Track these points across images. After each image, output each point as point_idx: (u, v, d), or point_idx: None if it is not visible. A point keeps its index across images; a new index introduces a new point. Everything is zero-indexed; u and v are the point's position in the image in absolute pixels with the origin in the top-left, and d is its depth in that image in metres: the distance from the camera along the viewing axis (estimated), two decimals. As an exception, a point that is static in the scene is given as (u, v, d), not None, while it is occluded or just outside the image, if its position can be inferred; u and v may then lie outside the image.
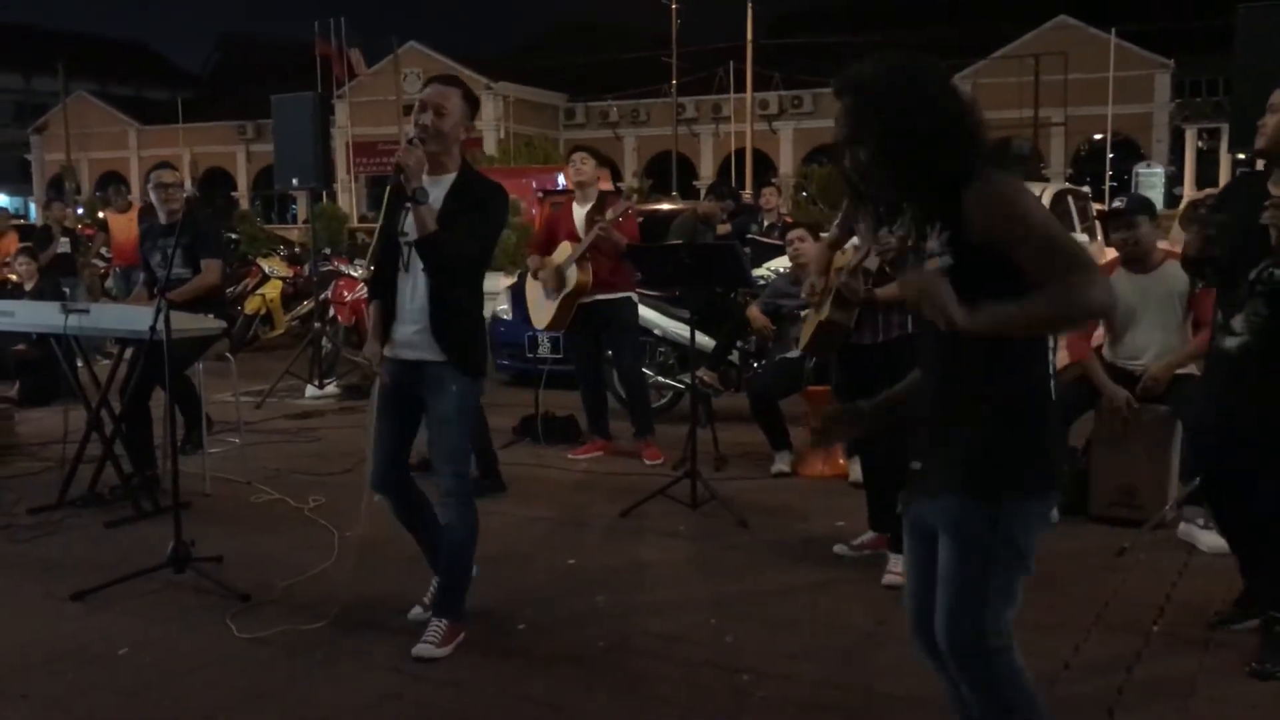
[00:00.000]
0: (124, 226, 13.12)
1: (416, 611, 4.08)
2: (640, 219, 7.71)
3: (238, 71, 59.67)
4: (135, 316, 5.36)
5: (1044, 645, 3.86)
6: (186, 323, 5.42)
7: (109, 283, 14.76)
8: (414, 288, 3.76)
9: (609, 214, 6.53)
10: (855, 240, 4.84)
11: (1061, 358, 8.64)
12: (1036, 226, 2.19)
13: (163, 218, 6.32)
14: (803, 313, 5.34)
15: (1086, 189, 14.41)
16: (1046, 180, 24.44)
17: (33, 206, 49.38)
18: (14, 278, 11.81)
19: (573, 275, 6.58)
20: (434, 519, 4.02)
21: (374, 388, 3.97)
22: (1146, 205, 5.44)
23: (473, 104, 3.82)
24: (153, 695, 3.56)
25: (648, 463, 6.65)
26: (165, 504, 5.48)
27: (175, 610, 4.31)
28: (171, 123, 51.76)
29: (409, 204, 3.68)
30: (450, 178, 3.79)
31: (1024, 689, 2.39)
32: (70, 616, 4.29)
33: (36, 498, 5.89)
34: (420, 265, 3.73)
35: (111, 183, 17.51)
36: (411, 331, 3.77)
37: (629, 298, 6.82)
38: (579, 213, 6.70)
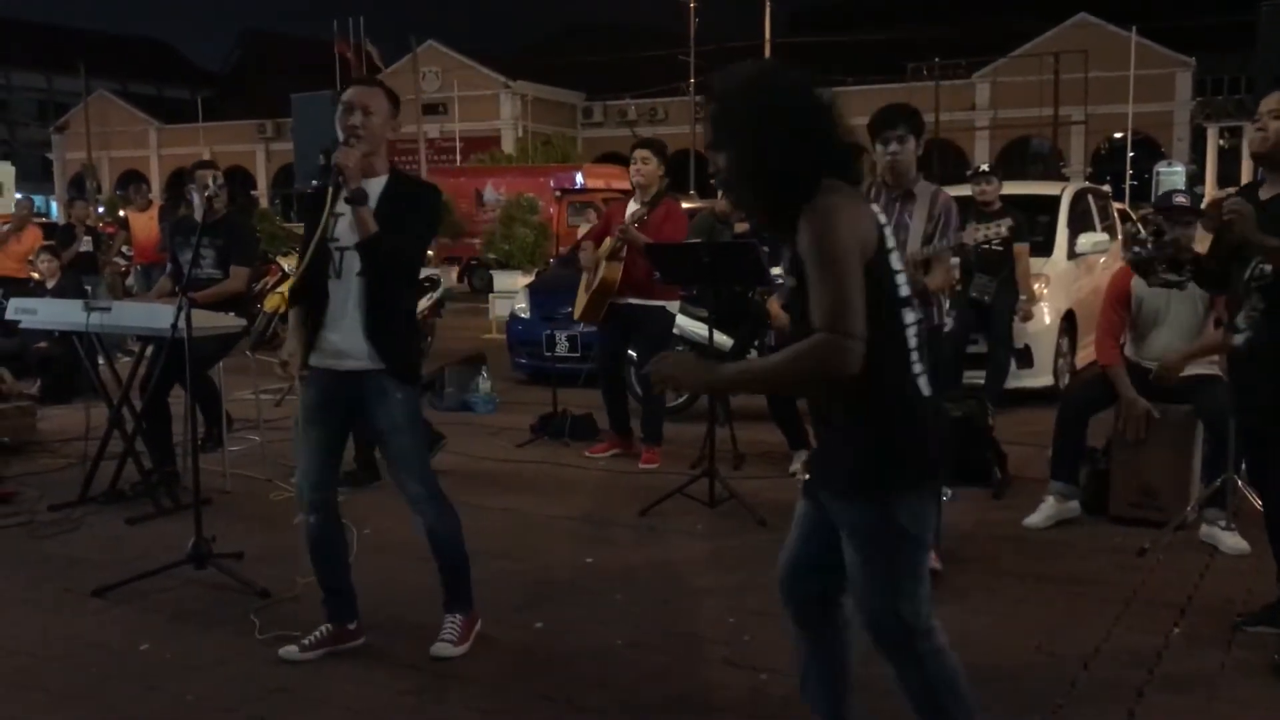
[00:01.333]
0: (144, 225, 13.21)
1: (291, 650, 3.79)
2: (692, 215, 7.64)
3: (258, 70, 59.96)
4: (157, 315, 5.39)
5: (1064, 645, 3.85)
6: (208, 321, 5.44)
7: (130, 280, 14.85)
8: (347, 294, 3.62)
9: (636, 212, 6.52)
10: None
11: (1084, 357, 8.64)
12: (826, 265, 2.27)
13: (199, 215, 6.30)
14: None
15: (1107, 188, 14.33)
16: (1066, 179, 24.33)
17: (54, 205, 49.71)
18: (37, 275, 11.90)
19: (602, 270, 6.58)
20: (345, 557, 3.90)
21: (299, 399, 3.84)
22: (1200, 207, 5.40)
23: (395, 104, 3.75)
24: (173, 690, 3.58)
25: (642, 466, 6.63)
26: (186, 501, 5.51)
27: (196, 606, 4.34)
28: (191, 121, 52.07)
29: (341, 208, 3.59)
30: (382, 180, 3.69)
31: (947, 668, 2.55)
32: (91, 612, 4.32)
33: (58, 494, 5.93)
34: (354, 270, 3.60)
35: (132, 181, 17.62)
36: (345, 340, 3.63)
37: (663, 308, 6.69)
38: (631, 211, 6.67)
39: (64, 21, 67.77)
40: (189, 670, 3.74)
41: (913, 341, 2.44)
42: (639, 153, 6.76)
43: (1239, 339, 3.85)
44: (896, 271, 2.41)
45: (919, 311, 2.52)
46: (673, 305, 6.82)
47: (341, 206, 3.60)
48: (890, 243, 2.40)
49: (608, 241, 6.63)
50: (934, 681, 2.55)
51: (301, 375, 3.85)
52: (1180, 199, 5.27)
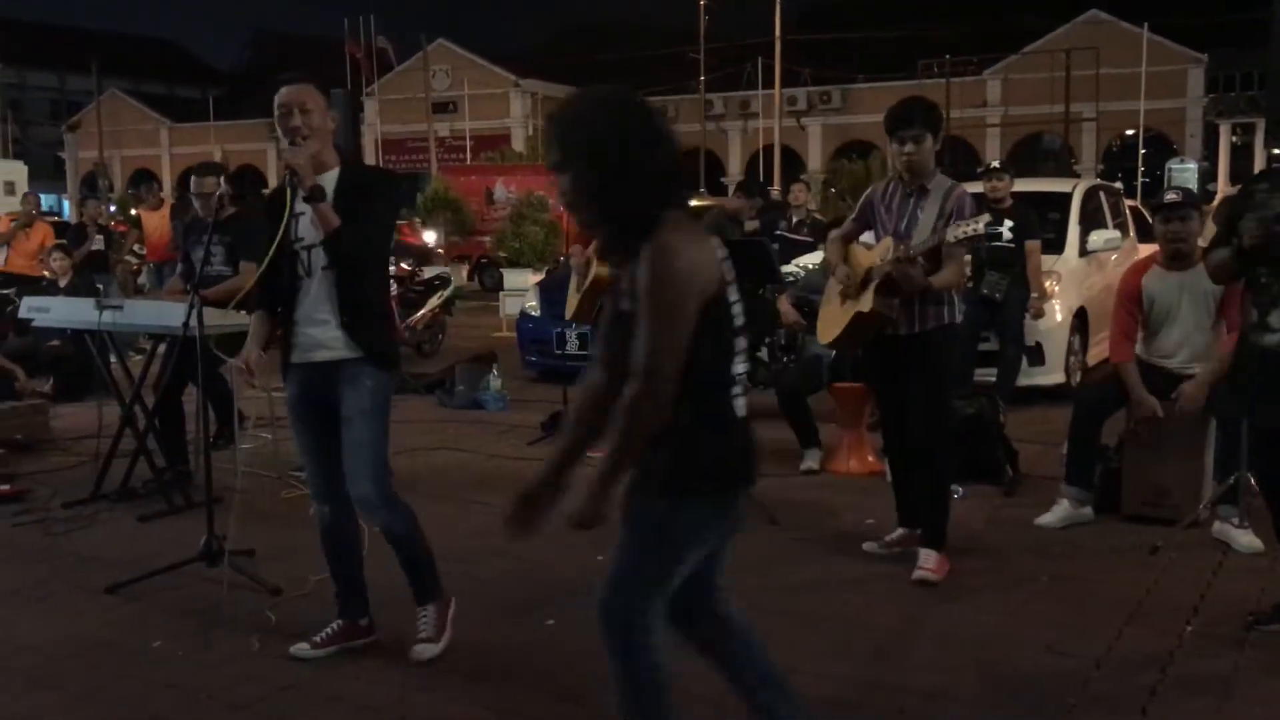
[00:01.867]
0: (156, 223, 13.24)
1: (302, 647, 3.81)
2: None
3: (269, 69, 60.01)
4: (168, 312, 5.40)
5: (1077, 644, 3.84)
6: (219, 319, 5.45)
7: (141, 278, 14.89)
8: (317, 289, 3.63)
9: None
10: (871, 235, 4.81)
11: (1095, 354, 8.61)
12: (656, 311, 2.34)
13: (203, 215, 6.34)
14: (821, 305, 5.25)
15: (1119, 185, 14.28)
16: (1078, 176, 24.26)
17: (66, 203, 49.87)
18: (49, 274, 11.94)
19: (594, 268, 6.60)
20: (358, 551, 3.91)
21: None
22: (1196, 199, 5.37)
23: (326, 93, 3.72)
24: (186, 687, 3.59)
25: None
26: (197, 499, 5.53)
27: (208, 604, 4.34)
28: (203, 120, 52.20)
29: (301, 207, 3.60)
30: (334, 173, 3.67)
31: (652, 678, 2.63)
32: (104, 609, 4.33)
33: (71, 492, 5.96)
34: (321, 265, 3.61)
35: (143, 180, 17.66)
36: (321, 333, 3.64)
37: None
38: None
39: (76, 21, 68.03)
40: (201, 667, 3.75)
41: (739, 368, 2.52)
42: None
43: (1273, 339, 3.78)
44: (734, 303, 2.48)
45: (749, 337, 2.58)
46: None
47: (301, 206, 3.61)
48: (730, 276, 2.46)
49: (595, 245, 6.65)
50: (637, 683, 2.64)
51: (255, 384, 3.86)
52: (1171, 195, 5.30)
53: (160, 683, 3.63)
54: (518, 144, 40.22)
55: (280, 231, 3.60)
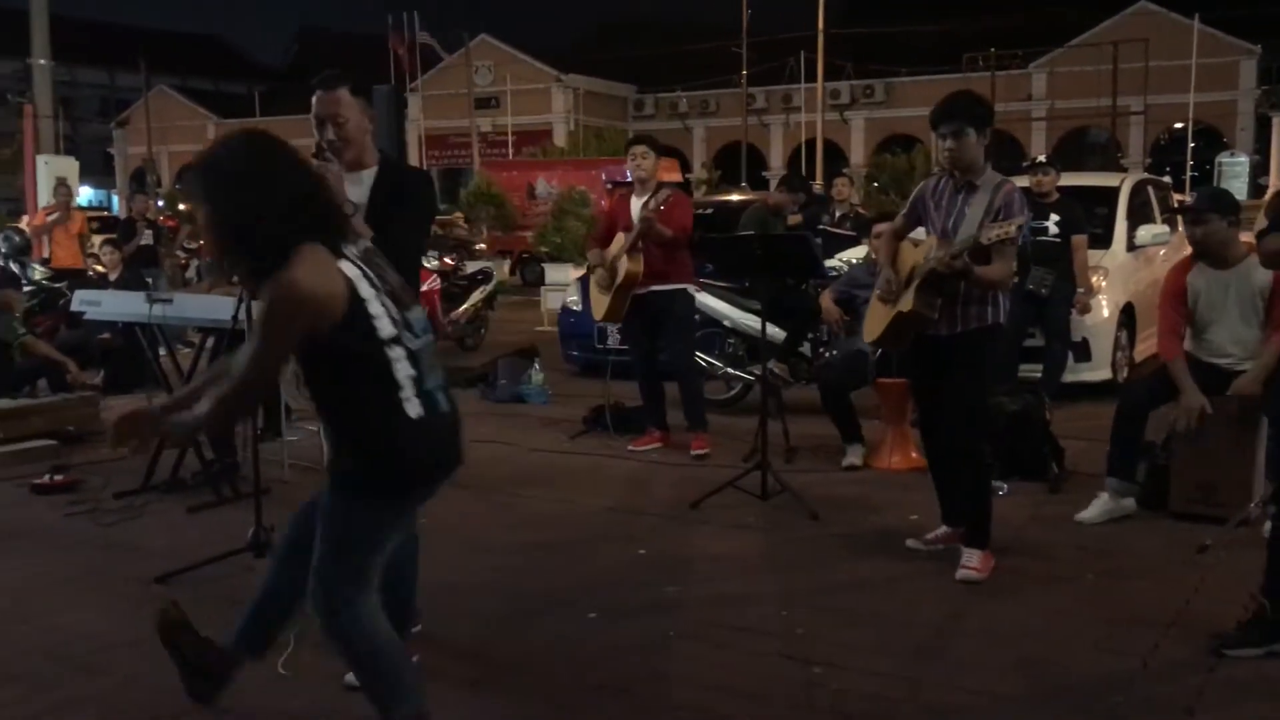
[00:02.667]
0: (208, 219, 13.40)
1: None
2: (709, 210, 7.70)
3: (314, 65, 60.36)
4: (217, 306, 5.48)
5: (1122, 642, 3.80)
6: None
7: (189, 272, 15.10)
8: None
9: (650, 203, 6.54)
10: (923, 230, 4.78)
11: (1143, 350, 8.51)
12: (264, 334, 2.64)
13: None
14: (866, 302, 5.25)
15: (1167, 179, 14.08)
16: (1125, 170, 23.94)
17: (115, 198, 50.61)
18: (100, 268, 12.13)
19: (623, 266, 6.61)
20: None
21: None
22: (1219, 202, 5.25)
23: (363, 92, 3.71)
24: (236, 674, 3.64)
25: (694, 453, 6.64)
26: (245, 490, 5.61)
27: (255, 594, 4.39)
28: (249, 116, 52.73)
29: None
30: (371, 172, 3.70)
31: (366, 645, 2.88)
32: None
33: (122, 482, 6.05)
34: None
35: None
36: None
37: (684, 290, 6.79)
38: (635, 205, 6.70)
39: (125, 19, 68.89)
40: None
41: (404, 373, 2.73)
42: (636, 149, 6.81)
43: None
44: (375, 316, 2.70)
45: (418, 340, 2.79)
46: (692, 287, 6.88)
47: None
48: (365, 292, 2.68)
49: (621, 237, 6.66)
50: (358, 657, 2.92)
51: (301, 395, 3.91)
52: (1187, 198, 5.30)
53: (209, 671, 3.68)
54: (559, 139, 40.30)
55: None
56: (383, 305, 2.72)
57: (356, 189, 3.68)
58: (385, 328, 2.72)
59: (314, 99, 3.63)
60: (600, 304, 6.84)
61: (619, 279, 6.64)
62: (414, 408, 2.75)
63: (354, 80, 3.69)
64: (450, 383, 7.49)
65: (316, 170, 2.83)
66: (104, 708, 3.45)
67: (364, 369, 2.72)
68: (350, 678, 3.53)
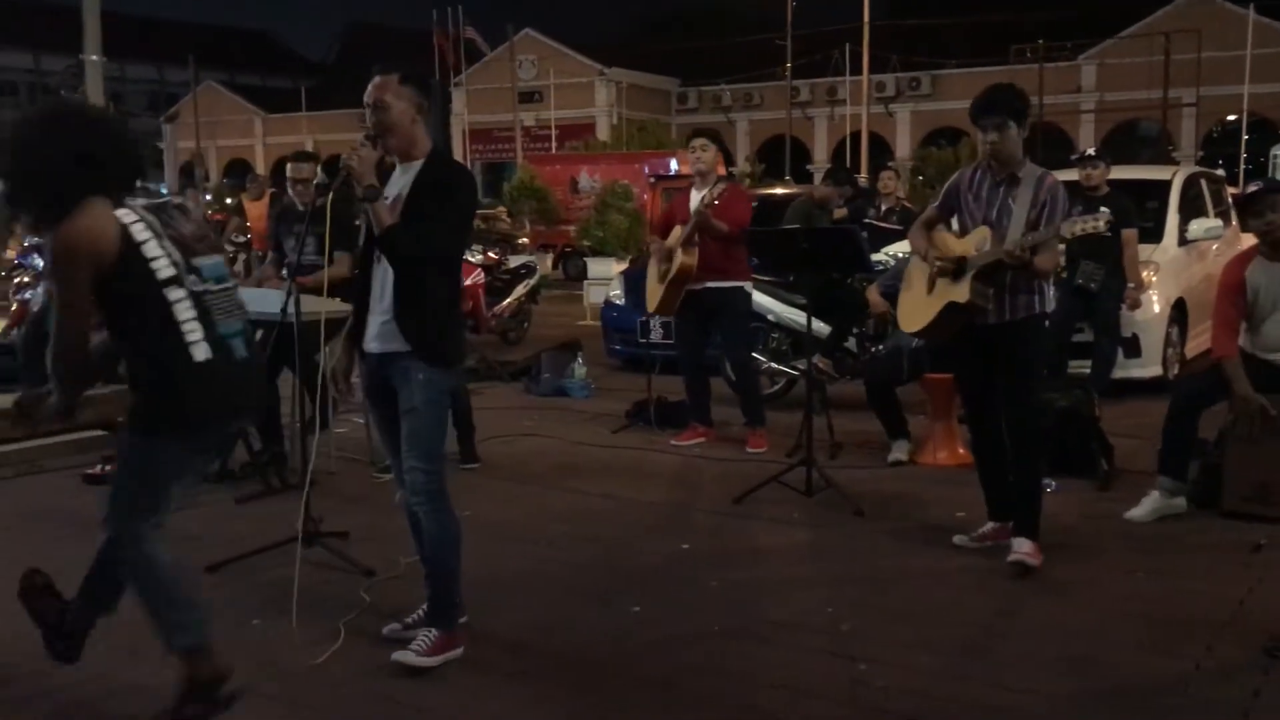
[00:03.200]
0: (258, 213, 13.59)
1: (394, 628, 3.88)
2: (753, 203, 7.66)
3: (359, 60, 60.88)
4: (266, 299, 5.53)
5: (1174, 643, 3.75)
6: (316, 306, 5.56)
7: (237, 266, 15.26)
8: (383, 282, 3.69)
9: (704, 197, 6.52)
10: (955, 222, 4.74)
11: (1194, 347, 8.38)
12: (51, 278, 3.00)
13: (298, 204, 6.44)
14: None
15: (1221, 172, 13.85)
16: (1176, 163, 23.56)
17: (165, 193, 51.27)
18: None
19: (677, 259, 6.60)
20: None
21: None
22: None
23: (416, 83, 3.69)
24: (283, 664, 3.69)
25: (750, 450, 6.63)
26: (293, 481, 5.67)
27: (303, 584, 4.43)
28: (295, 110, 53.22)
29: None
30: (418, 164, 3.69)
31: (150, 576, 3.17)
32: (204, 587, 4.43)
33: (172, 473, 6.13)
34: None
35: (238, 169, 18.10)
36: (380, 324, 3.69)
37: (741, 287, 6.76)
38: (695, 197, 6.70)
39: (174, 15, 69.81)
40: (298, 644, 3.83)
41: (185, 314, 2.99)
42: (696, 141, 6.84)
43: None
44: (154, 258, 2.97)
45: (203, 284, 3.03)
46: (749, 285, 6.83)
47: (390, 194, 3.68)
48: (141, 235, 2.96)
49: (678, 230, 6.65)
50: (139, 579, 3.18)
51: (343, 390, 3.95)
52: (1254, 186, 5.21)
53: (259, 659, 3.73)
54: (602, 133, 40.28)
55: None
56: (163, 249, 2.99)
57: (404, 178, 3.70)
58: (163, 269, 2.98)
59: (370, 84, 3.67)
60: (654, 295, 6.84)
61: (672, 272, 6.63)
62: (201, 351, 3.01)
63: (410, 70, 3.70)
64: (491, 375, 7.60)
65: (111, 132, 3.11)
66: (161, 698, 3.48)
67: (144, 310, 2.97)
68: (398, 655, 3.62)
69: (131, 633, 3.47)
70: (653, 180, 23.67)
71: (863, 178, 16.93)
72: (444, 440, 3.78)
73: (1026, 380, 4.56)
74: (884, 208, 9.52)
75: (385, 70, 3.67)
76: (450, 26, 37.39)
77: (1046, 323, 4.69)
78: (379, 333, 3.70)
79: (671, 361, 7.88)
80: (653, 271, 6.89)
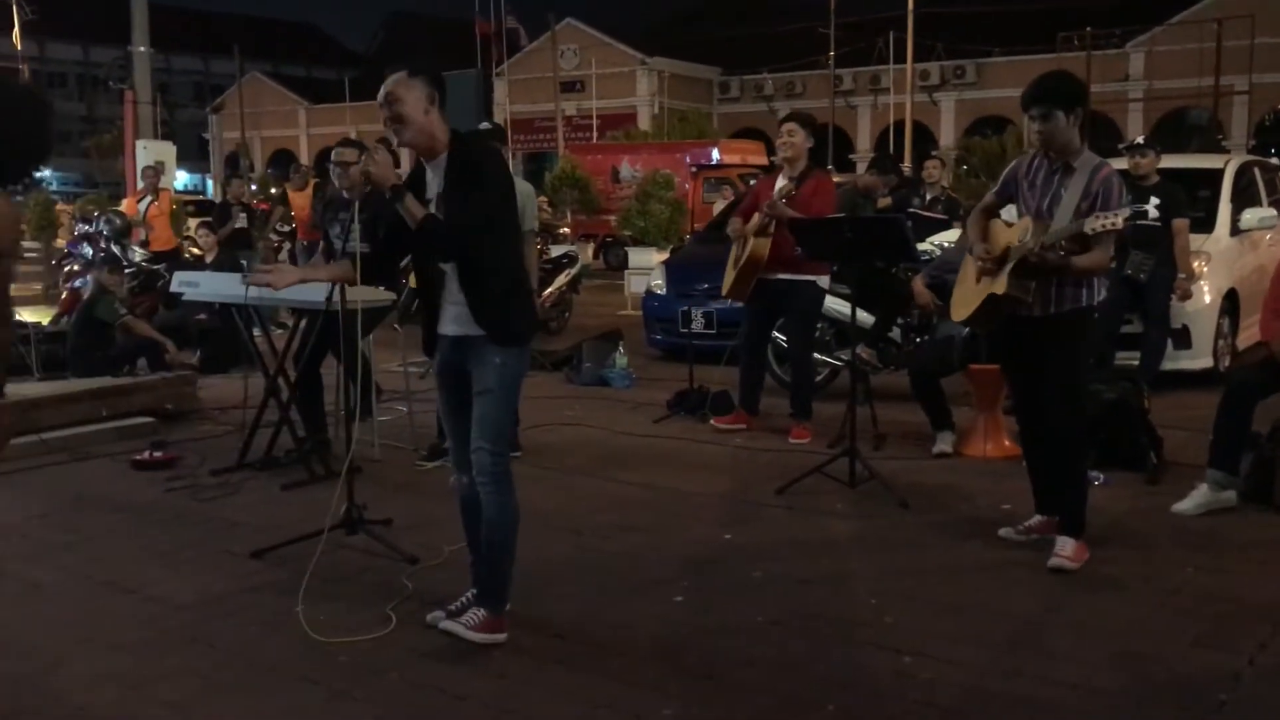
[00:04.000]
0: (302, 203, 13.71)
1: (438, 615, 3.90)
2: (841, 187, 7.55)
3: (402, 51, 61.13)
4: (311, 288, 5.55)
5: (1226, 638, 3.69)
6: (360, 295, 5.58)
7: (281, 255, 15.40)
8: (452, 270, 3.75)
9: (784, 188, 6.46)
10: (1013, 209, 4.67)
11: (1246, 339, 8.23)
12: None
13: (344, 192, 6.44)
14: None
15: (1275, 160, 13.59)
16: (1226, 152, 23.14)
17: (210, 182, 51.80)
18: (196, 251, 12.42)
19: (749, 246, 6.56)
20: None
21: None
22: None
23: (423, 72, 3.71)
24: (326, 650, 3.71)
25: (793, 441, 6.59)
26: (336, 468, 5.70)
27: (347, 571, 4.48)
28: (339, 101, 53.59)
29: (429, 194, 3.73)
30: (443, 157, 3.73)
31: None
32: (250, 572, 4.50)
33: (218, 460, 6.20)
34: None
35: (282, 160, 18.26)
36: (454, 310, 3.77)
37: (813, 282, 6.66)
38: (778, 184, 6.62)
39: (219, 6, 70.51)
40: (341, 631, 3.86)
41: None
42: (786, 126, 6.68)
43: None
44: None
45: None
46: (823, 280, 6.74)
47: (430, 191, 3.73)
48: None
49: (756, 217, 6.59)
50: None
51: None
52: None
53: (303, 644, 3.76)
54: (644, 123, 40.25)
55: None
56: None
57: (435, 176, 3.75)
58: None
59: (384, 83, 3.72)
60: (728, 279, 6.81)
61: (742, 260, 6.59)
62: None
63: (420, 64, 3.73)
64: (533, 365, 7.63)
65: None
66: (207, 681, 3.53)
67: None
68: (446, 623, 3.75)
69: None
70: (694, 170, 23.68)
71: (906, 167, 16.77)
72: (510, 422, 3.87)
73: (1071, 374, 4.49)
74: (929, 197, 9.43)
75: (394, 68, 3.73)
76: (492, 16, 37.46)
77: (1095, 315, 4.60)
78: (454, 316, 3.78)
79: (710, 351, 7.85)
80: (731, 254, 6.83)
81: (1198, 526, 4.93)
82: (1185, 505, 5.08)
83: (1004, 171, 4.77)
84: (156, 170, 13.98)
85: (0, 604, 3.63)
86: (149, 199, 13.08)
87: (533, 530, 4.74)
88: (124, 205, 14.14)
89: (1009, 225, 4.63)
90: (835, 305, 7.50)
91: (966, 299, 4.71)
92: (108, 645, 3.78)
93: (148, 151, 17.35)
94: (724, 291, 6.93)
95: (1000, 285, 4.40)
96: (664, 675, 3.51)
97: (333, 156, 6.46)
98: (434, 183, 3.75)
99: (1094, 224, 4.19)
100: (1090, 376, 5.40)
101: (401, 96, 3.65)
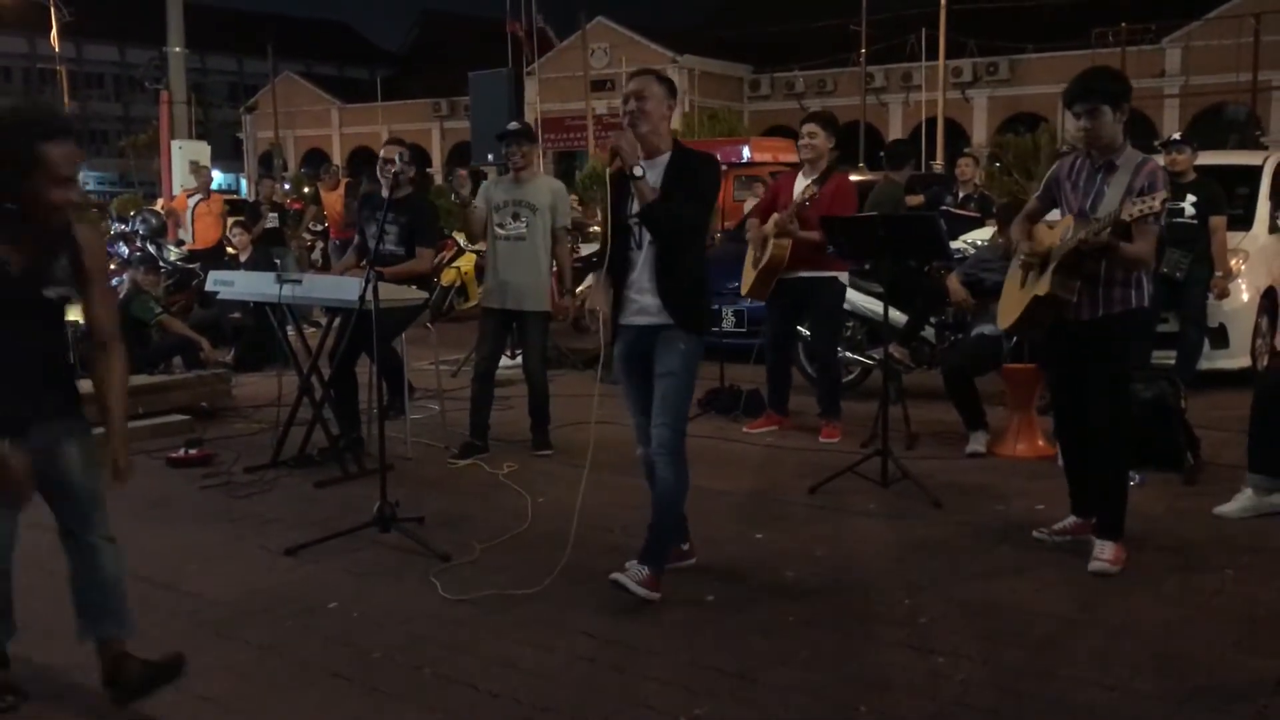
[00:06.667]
0: (334, 202, 13.81)
1: (622, 577, 4.09)
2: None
3: (433, 50, 61.46)
4: (345, 287, 5.60)
5: (1268, 643, 3.65)
6: (393, 294, 5.61)
7: (314, 254, 15.51)
8: (645, 261, 4.12)
9: (805, 190, 6.42)
10: (1057, 213, 4.62)
11: (1287, 337, 8.12)
12: None
13: (385, 191, 6.43)
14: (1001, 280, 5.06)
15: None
16: (1264, 149, 22.84)
17: (244, 181, 52.25)
18: (231, 249, 12.52)
19: (769, 247, 6.53)
20: None
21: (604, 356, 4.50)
22: None
23: (668, 85, 4.24)
24: (362, 646, 3.73)
25: (823, 440, 6.57)
26: (370, 466, 5.74)
27: (381, 567, 4.50)
28: (371, 100, 53.89)
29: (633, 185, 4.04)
30: (665, 157, 4.13)
31: None
32: (284, 569, 4.53)
33: (252, 457, 6.25)
34: (648, 239, 4.09)
35: (315, 159, 18.41)
36: (645, 300, 4.13)
37: (834, 278, 6.66)
38: (800, 183, 6.59)
39: (253, 6, 70.90)
40: (375, 627, 3.89)
41: None
42: (807, 126, 6.64)
43: None
44: None
45: None
46: (844, 276, 6.71)
47: (632, 187, 4.05)
48: None
49: (773, 221, 6.56)
50: None
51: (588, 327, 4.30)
52: None
53: (337, 640, 3.78)
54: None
55: (611, 209, 4.15)
56: None
57: (652, 172, 4.08)
58: None
59: (630, 80, 4.22)
60: (747, 279, 6.80)
61: (763, 261, 6.58)
62: None
63: (661, 76, 4.29)
64: (563, 363, 7.73)
65: None
66: (241, 676, 3.56)
67: None
68: (616, 575, 4.00)
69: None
70: (725, 168, 23.59)
71: (939, 165, 16.67)
72: (689, 401, 4.25)
73: (1118, 376, 4.43)
74: (961, 195, 9.38)
75: (644, 71, 4.29)
76: (523, 16, 37.53)
77: (1147, 316, 4.51)
78: (642, 307, 4.15)
79: (741, 350, 7.83)
80: (749, 255, 6.82)
81: (1236, 529, 4.87)
82: (1228, 508, 5.02)
83: (1046, 175, 4.72)
84: (209, 170, 14.21)
85: (37, 600, 3.67)
86: (199, 197, 13.20)
87: (563, 528, 4.76)
88: (174, 201, 14.30)
89: (1051, 227, 4.58)
90: (867, 303, 7.46)
91: (1010, 304, 4.67)
92: (143, 641, 3.81)
93: (183, 151, 17.52)
94: (743, 291, 6.92)
95: (1044, 286, 4.35)
96: (695, 675, 3.50)
97: (381, 154, 6.47)
98: (651, 178, 4.06)
99: (1130, 209, 4.10)
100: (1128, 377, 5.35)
101: (648, 95, 4.10)
